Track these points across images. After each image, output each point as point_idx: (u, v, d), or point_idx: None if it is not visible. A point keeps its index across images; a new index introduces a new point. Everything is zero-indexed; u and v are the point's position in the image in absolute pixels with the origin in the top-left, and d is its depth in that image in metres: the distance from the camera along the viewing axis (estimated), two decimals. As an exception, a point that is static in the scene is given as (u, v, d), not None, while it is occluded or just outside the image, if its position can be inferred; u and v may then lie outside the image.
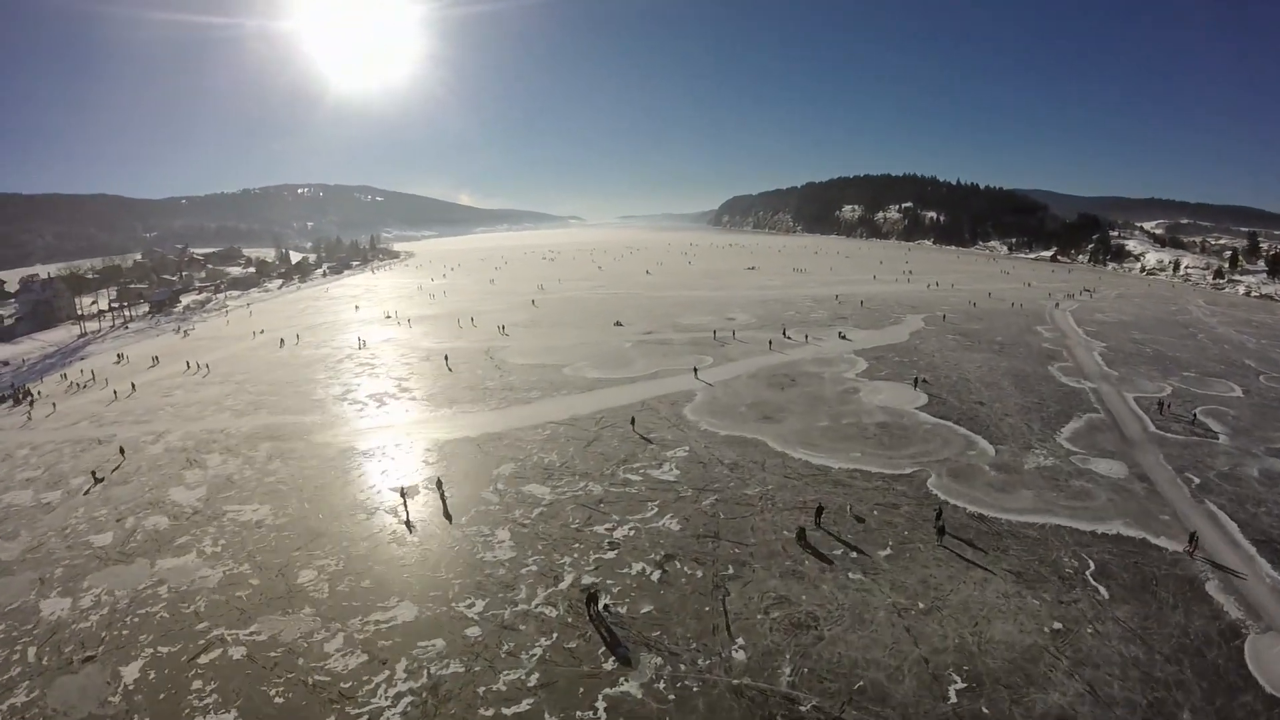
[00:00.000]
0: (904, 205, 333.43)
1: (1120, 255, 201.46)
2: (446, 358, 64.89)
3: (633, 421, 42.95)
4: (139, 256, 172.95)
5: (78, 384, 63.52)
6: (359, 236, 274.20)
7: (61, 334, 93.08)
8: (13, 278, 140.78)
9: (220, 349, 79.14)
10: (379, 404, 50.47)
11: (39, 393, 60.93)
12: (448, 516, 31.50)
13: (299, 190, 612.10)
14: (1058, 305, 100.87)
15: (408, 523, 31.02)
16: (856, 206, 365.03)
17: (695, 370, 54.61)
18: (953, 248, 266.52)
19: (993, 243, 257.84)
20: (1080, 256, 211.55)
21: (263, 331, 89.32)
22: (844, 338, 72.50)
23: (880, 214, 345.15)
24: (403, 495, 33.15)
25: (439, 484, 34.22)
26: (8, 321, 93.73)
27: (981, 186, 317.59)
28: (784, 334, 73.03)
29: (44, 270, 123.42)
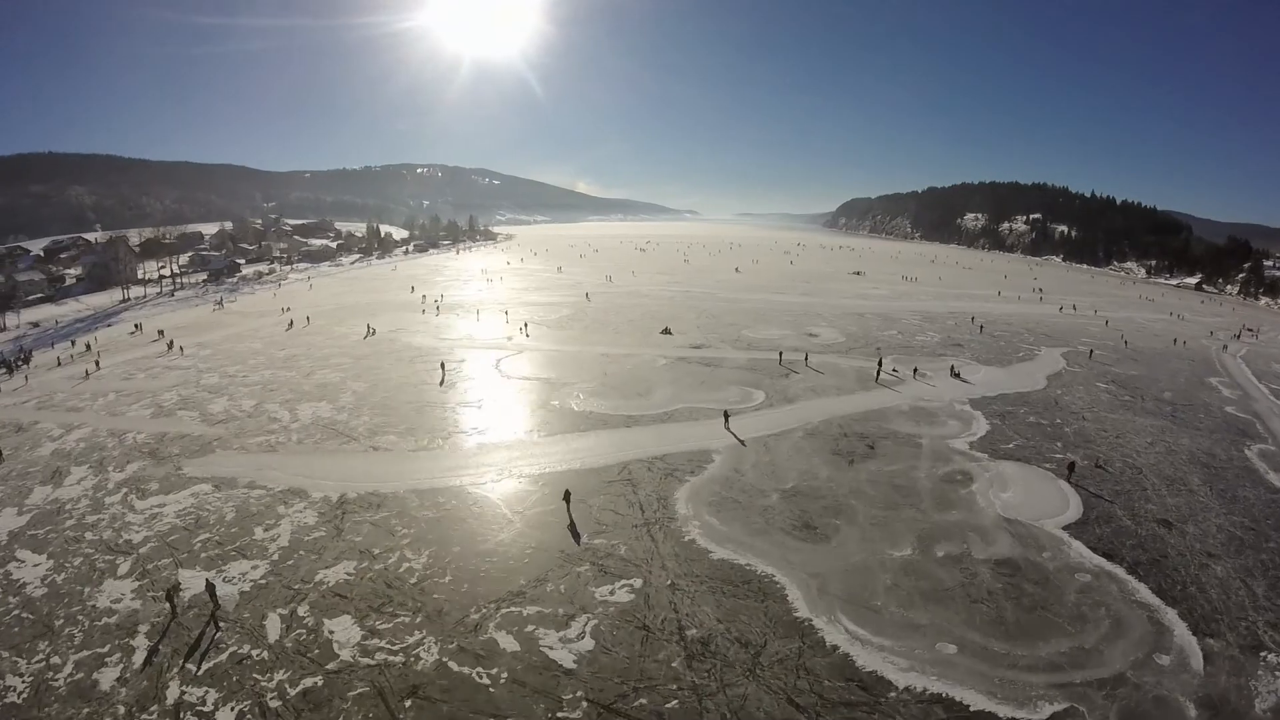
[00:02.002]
0: (1031, 217, 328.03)
1: (1275, 289, 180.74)
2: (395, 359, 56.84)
3: (568, 504, 29.28)
4: (227, 224, 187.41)
5: (69, 356, 63.34)
6: (468, 217, 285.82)
7: (106, 298, 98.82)
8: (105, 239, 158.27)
9: (231, 327, 78.00)
10: (267, 431, 42.72)
11: (29, 364, 61.58)
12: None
13: (418, 170, 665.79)
14: (1225, 347, 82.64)
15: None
16: (980, 215, 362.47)
17: (727, 416, 40.70)
18: (1084, 266, 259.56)
19: (1129, 264, 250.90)
20: (1229, 287, 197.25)
21: (288, 309, 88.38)
22: (957, 376, 54.97)
23: (1005, 224, 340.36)
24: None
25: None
26: (69, 281, 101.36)
27: (1117, 201, 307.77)
28: (877, 363, 56.84)
29: (136, 235, 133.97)
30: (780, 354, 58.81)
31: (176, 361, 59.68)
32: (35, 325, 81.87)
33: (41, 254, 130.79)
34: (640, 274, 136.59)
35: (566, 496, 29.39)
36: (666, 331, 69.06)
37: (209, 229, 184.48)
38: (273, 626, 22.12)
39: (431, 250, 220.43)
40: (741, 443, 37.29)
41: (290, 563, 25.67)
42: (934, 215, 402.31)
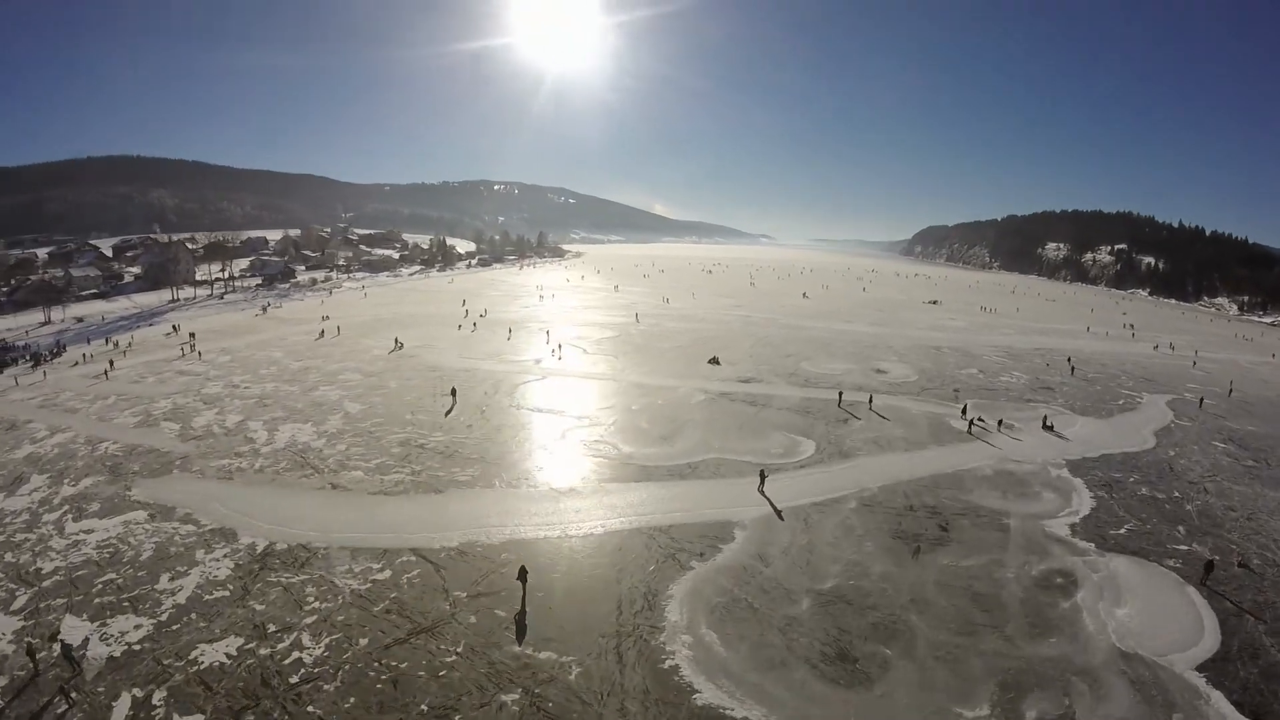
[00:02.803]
0: (1116, 247, 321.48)
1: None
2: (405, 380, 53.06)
3: (524, 586, 23.58)
4: (296, 231, 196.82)
5: (89, 355, 64.29)
6: (540, 234, 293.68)
7: (156, 298, 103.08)
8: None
9: (263, 333, 78.40)
10: (238, 453, 39.52)
11: (60, 358, 63.17)
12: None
13: (495, 186, 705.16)
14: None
15: None
16: (1061, 245, 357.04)
17: (763, 476, 33.60)
18: (1172, 301, 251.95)
19: (1219, 299, 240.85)
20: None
21: (326, 318, 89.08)
22: (1050, 429, 45.82)
23: (1088, 255, 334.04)
24: None
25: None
26: (127, 279, 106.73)
27: (1206, 231, 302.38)
28: (961, 411, 48.37)
29: (204, 237, 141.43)
30: (840, 394, 51.43)
31: (191, 366, 59.16)
32: (80, 320, 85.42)
33: (110, 252, 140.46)
34: (700, 296, 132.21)
35: (523, 575, 23.69)
36: (714, 361, 62.94)
37: (275, 235, 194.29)
38: (119, 714, 17.93)
39: (495, 265, 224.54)
40: (777, 513, 30.49)
41: (176, 627, 21.52)
42: (1013, 244, 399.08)
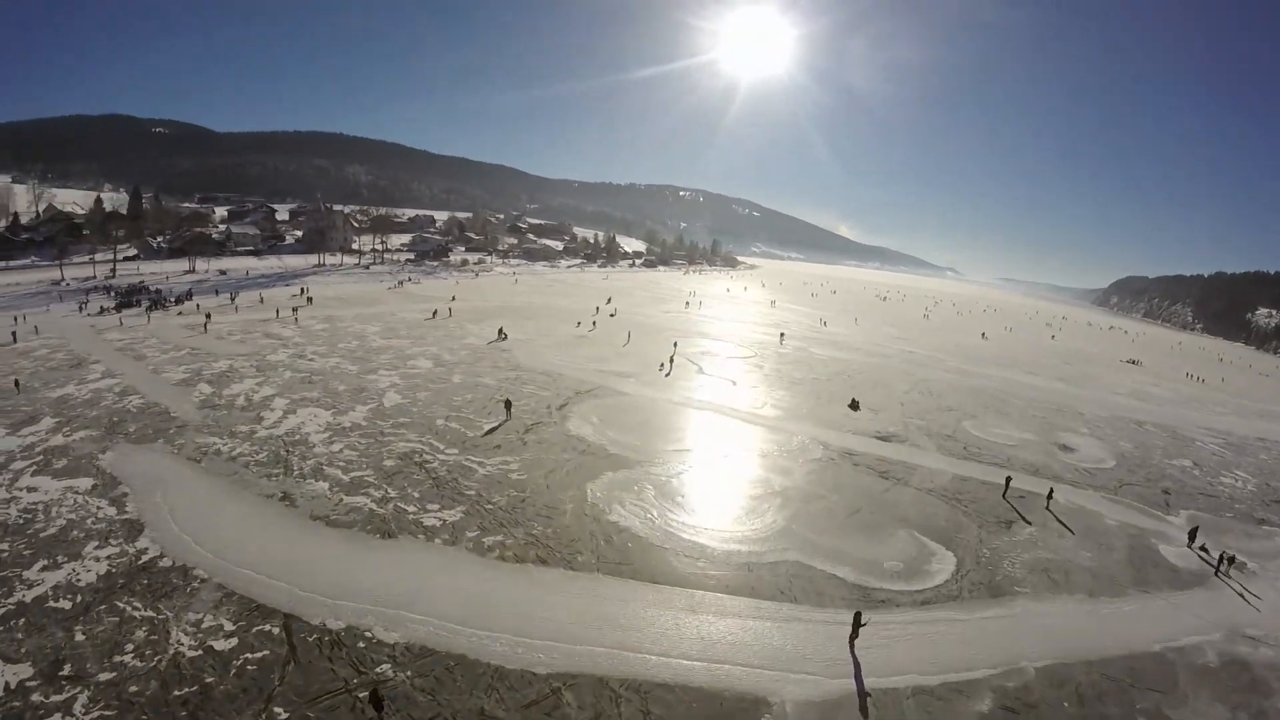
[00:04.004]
0: None
1: None
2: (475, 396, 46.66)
3: None
4: (466, 214, 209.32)
5: (200, 307, 68.52)
6: (714, 242, 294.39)
7: (303, 261, 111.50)
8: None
9: (380, 306, 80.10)
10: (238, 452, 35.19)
11: (175, 306, 68.18)
12: None
13: (681, 193, 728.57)
14: None
15: None
16: (1274, 312, 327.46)
17: (858, 622, 20.72)
18: None
19: None
20: None
21: (454, 299, 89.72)
22: None
23: None
24: None
25: None
26: (288, 240, 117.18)
27: None
28: (1188, 537, 31.27)
29: (374, 211, 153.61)
30: (1008, 480, 36.43)
31: (280, 330, 59.86)
32: (223, 273, 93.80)
33: (286, 215, 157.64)
34: (864, 323, 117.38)
35: (376, 702, 15.47)
36: (854, 405, 49.99)
37: (444, 216, 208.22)
38: None
39: (660, 267, 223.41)
40: (860, 697, 18.65)
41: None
42: (1219, 305, 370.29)
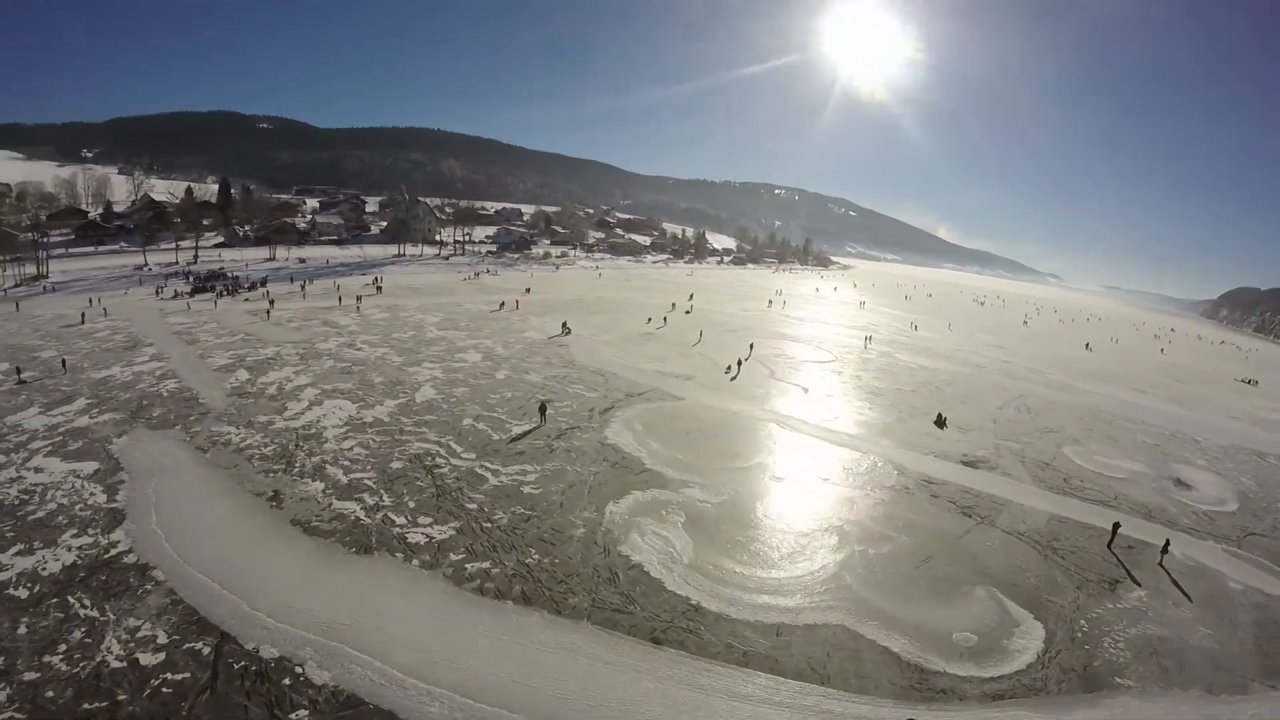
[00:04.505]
0: None
1: None
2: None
3: None
4: (555, 208, 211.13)
5: (268, 294, 70.49)
6: (806, 240, 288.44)
7: (382, 251, 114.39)
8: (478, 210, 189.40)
9: (450, 296, 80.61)
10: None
11: (248, 292, 70.46)
12: None
13: (776, 191, 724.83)
14: None
15: None
16: None
17: None
18: None
19: None
20: None
21: (528, 291, 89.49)
22: None
23: None
24: None
25: None
26: (372, 231, 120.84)
27: None
28: None
29: (458, 204, 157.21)
30: (1116, 526, 29.35)
31: (339, 319, 60.41)
32: (302, 261, 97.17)
33: (375, 207, 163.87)
34: (958, 329, 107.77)
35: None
36: (940, 422, 43.70)
37: (530, 209, 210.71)
38: None
39: (749, 265, 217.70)
40: None
41: None
42: None
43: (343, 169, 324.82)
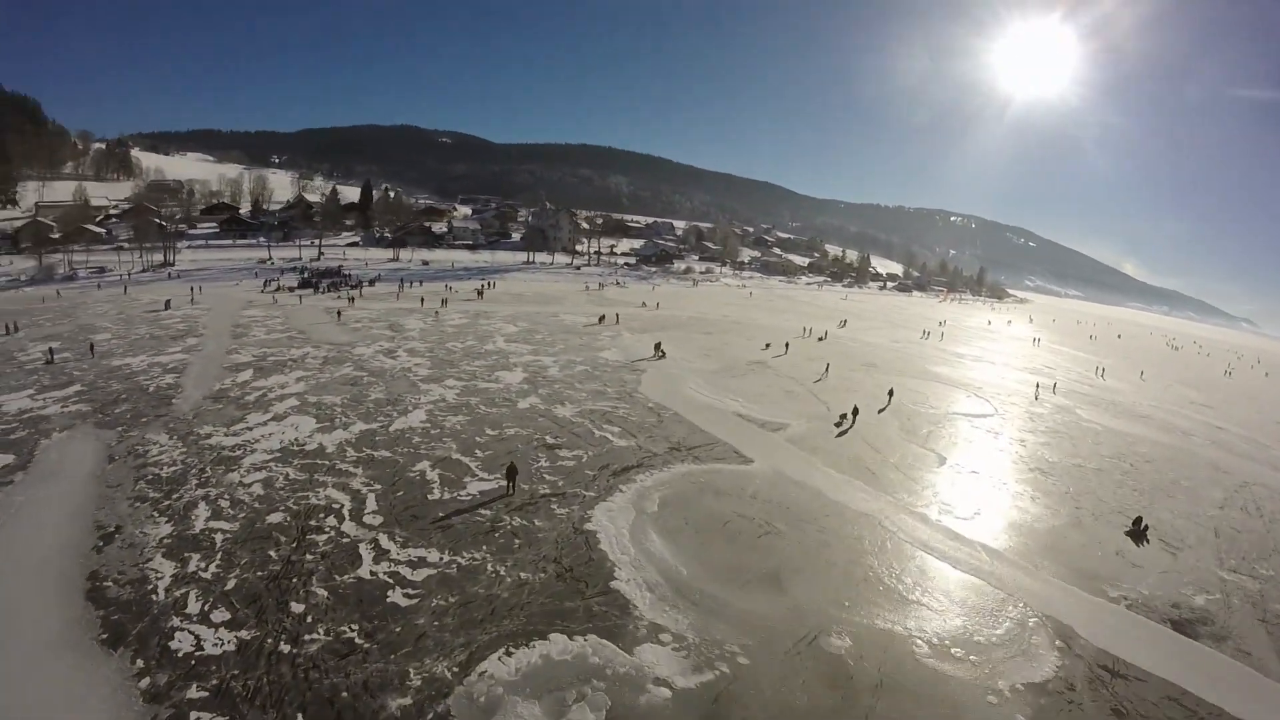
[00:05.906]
0: None
1: None
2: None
3: None
4: (708, 224, 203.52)
5: (359, 295, 69.61)
6: (980, 270, 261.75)
7: (511, 257, 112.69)
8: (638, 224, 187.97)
9: (557, 304, 76.40)
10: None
11: (354, 289, 70.02)
12: None
13: (951, 218, 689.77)
14: None
15: None
16: None
17: None
18: None
19: None
20: None
21: (643, 305, 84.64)
22: None
23: None
24: None
25: None
26: (513, 235, 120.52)
27: None
28: None
29: (648, 220, 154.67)
30: None
31: (406, 322, 57.55)
32: (425, 264, 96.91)
33: (530, 216, 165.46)
34: (1153, 380, 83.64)
35: None
36: (1138, 531, 28.26)
37: (682, 224, 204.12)
38: None
39: (915, 293, 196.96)
40: None
41: None
42: None
43: (511, 182, 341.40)
